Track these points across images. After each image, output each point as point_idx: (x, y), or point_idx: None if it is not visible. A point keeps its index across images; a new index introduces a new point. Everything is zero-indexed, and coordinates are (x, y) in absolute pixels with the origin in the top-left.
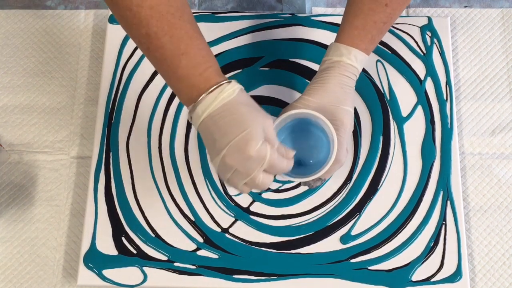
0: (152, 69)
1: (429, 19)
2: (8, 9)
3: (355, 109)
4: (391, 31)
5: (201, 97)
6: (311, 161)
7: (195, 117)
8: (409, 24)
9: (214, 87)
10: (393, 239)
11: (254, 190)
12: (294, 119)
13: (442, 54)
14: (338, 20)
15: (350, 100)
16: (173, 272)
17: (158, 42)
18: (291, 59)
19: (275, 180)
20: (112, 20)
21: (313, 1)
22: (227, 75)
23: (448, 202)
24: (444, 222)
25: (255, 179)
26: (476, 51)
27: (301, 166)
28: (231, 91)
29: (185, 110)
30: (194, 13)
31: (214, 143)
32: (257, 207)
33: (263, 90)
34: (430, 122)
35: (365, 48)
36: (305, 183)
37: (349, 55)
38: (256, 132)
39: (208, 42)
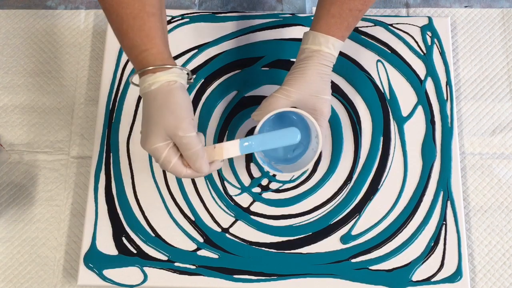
0: None
1: (430, 19)
2: (8, 9)
3: (355, 108)
4: (391, 31)
5: (133, 79)
6: (291, 150)
7: (141, 85)
8: (410, 24)
9: (140, 72)
10: (393, 239)
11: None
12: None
13: (442, 54)
14: None
15: (328, 88)
16: (173, 272)
17: (109, 18)
18: (291, 59)
19: (275, 180)
20: None
21: (313, 1)
22: (227, 75)
23: (448, 202)
24: (444, 222)
25: (163, 167)
26: (477, 51)
27: (278, 153)
28: (151, 82)
29: None
30: (194, 13)
31: (149, 115)
32: (257, 207)
33: (263, 90)
34: (430, 122)
35: (342, 35)
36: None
37: (327, 44)
38: (153, 132)
39: (208, 42)
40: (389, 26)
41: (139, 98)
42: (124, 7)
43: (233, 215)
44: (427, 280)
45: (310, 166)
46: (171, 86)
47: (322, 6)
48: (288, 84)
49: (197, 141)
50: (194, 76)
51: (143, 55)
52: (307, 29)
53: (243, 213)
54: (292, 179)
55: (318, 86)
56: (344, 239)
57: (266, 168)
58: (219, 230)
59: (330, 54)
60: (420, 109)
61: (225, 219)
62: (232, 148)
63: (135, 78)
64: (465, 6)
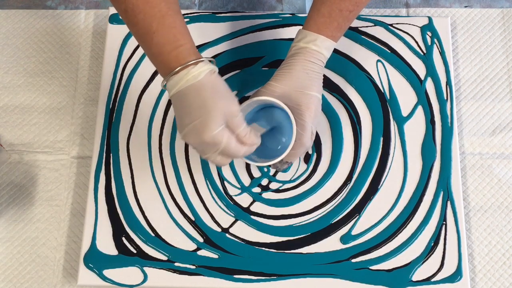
0: (152, 69)
1: (430, 19)
2: (8, 9)
3: (355, 108)
4: (391, 31)
5: (170, 76)
6: (277, 145)
7: (168, 92)
8: (409, 24)
9: (181, 67)
10: (393, 239)
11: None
12: (259, 104)
13: (442, 54)
14: None
15: (316, 85)
16: (173, 272)
17: (134, 19)
18: None
19: (276, 180)
20: (112, 20)
21: None
22: (227, 75)
23: (448, 202)
24: (444, 222)
25: (210, 159)
26: (477, 51)
27: (267, 149)
28: (196, 73)
29: None
30: (194, 13)
31: (180, 119)
32: (258, 207)
33: None
34: (430, 122)
35: (331, 35)
36: (273, 166)
37: (315, 42)
38: (213, 118)
39: (208, 42)
40: (389, 26)
41: (139, 98)
42: (151, 7)
43: (233, 215)
44: (427, 280)
45: (283, 157)
46: (214, 75)
47: (314, 5)
48: (274, 79)
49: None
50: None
51: (179, 50)
52: None
53: (243, 213)
54: (292, 179)
55: (303, 82)
56: (344, 239)
57: (246, 161)
58: (219, 230)
59: (317, 52)
60: (420, 109)
61: (225, 219)
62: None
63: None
64: (465, 6)
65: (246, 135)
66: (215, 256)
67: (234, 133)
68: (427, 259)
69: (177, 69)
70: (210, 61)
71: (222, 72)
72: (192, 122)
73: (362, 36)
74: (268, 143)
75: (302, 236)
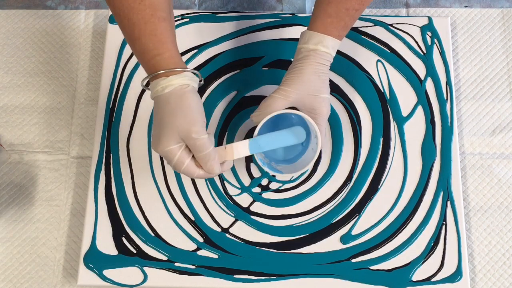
0: None
1: (429, 19)
2: (8, 9)
3: (355, 108)
4: (391, 31)
5: (145, 82)
6: (294, 152)
7: (151, 90)
8: (409, 24)
9: (152, 76)
10: (393, 239)
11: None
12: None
13: (442, 54)
14: None
15: (326, 87)
16: (173, 272)
17: (120, 24)
18: (291, 59)
19: (275, 180)
20: (112, 20)
21: (313, 1)
22: (227, 75)
23: (448, 202)
24: (444, 222)
25: (176, 168)
26: (476, 51)
27: (283, 156)
28: (164, 85)
29: None
30: (194, 13)
31: (160, 120)
32: (257, 207)
33: (263, 90)
34: (430, 122)
35: (338, 34)
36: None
37: (324, 43)
38: (165, 135)
39: (208, 42)
40: (389, 26)
41: (139, 98)
42: (135, 13)
43: (233, 215)
44: (427, 280)
45: (310, 167)
46: (184, 90)
47: (319, 5)
48: (286, 84)
49: (209, 143)
50: (203, 78)
51: (156, 59)
52: None
53: (243, 213)
54: (292, 179)
55: (316, 85)
56: (344, 239)
57: (266, 169)
58: (219, 230)
59: (326, 53)
60: (420, 109)
61: (225, 219)
62: (242, 148)
63: (148, 83)
64: (465, 6)
65: (204, 160)
66: (215, 256)
67: (191, 154)
68: (427, 259)
69: (148, 78)
70: (194, 73)
71: (222, 72)
72: (153, 131)
73: (362, 36)
74: (282, 149)
75: (302, 236)
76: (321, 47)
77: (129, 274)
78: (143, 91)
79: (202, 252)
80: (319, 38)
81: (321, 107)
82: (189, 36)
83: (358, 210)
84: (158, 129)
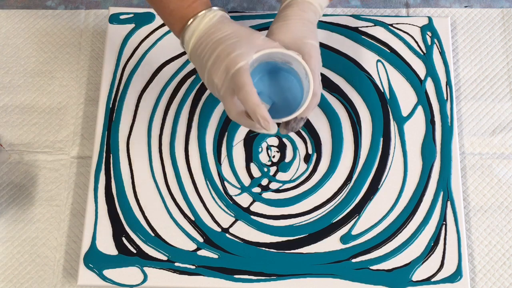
0: (152, 69)
1: (429, 19)
2: (8, 9)
3: (355, 108)
4: (391, 31)
5: (187, 24)
6: (288, 105)
7: (186, 44)
8: (409, 24)
9: (198, 14)
10: (393, 239)
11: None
12: (261, 62)
13: (442, 54)
14: (338, 20)
15: (314, 35)
16: (173, 272)
17: None
18: None
19: (275, 180)
20: (112, 20)
21: None
22: None
23: (448, 202)
24: (444, 222)
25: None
26: (476, 51)
27: (277, 111)
28: (212, 15)
29: (185, 110)
30: None
31: (202, 63)
32: (258, 207)
33: None
34: (430, 122)
35: None
36: (287, 127)
37: None
38: (248, 51)
39: None
40: (389, 26)
41: (139, 98)
42: None
43: (233, 215)
44: (427, 280)
45: (306, 109)
46: (225, 15)
47: None
48: (271, 33)
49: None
50: None
51: (197, 3)
52: None
53: (243, 213)
54: (292, 179)
55: (301, 32)
56: (344, 239)
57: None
58: (219, 230)
59: (311, 3)
60: (420, 109)
61: (225, 219)
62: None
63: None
64: (465, 6)
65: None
66: (215, 256)
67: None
68: (427, 259)
69: (195, 16)
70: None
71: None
72: (217, 57)
73: (362, 36)
74: (276, 102)
75: (302, 236)
76: None
77: (129, 274)
78: (143, 91)
79: (202, 252)
80: None
81: (310, 51)
82: None
83: (358, 210)
84: (232, 47)
